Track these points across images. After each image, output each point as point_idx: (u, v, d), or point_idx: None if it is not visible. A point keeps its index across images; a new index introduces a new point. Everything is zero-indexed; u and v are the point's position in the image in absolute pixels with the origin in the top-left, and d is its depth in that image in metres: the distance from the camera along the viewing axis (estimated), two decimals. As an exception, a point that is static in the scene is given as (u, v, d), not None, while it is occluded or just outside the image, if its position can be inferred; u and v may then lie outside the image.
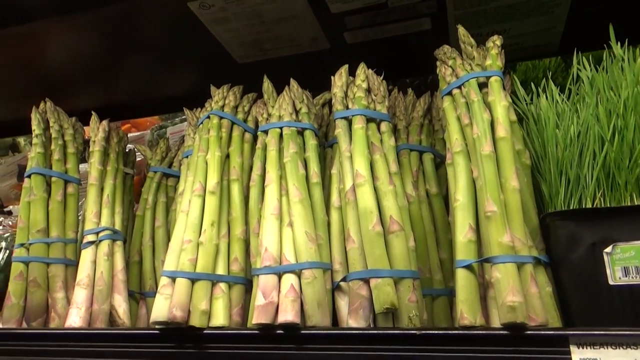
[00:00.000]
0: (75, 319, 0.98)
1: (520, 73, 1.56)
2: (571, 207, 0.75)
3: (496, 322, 0.72)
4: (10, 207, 1.78)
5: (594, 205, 0.73)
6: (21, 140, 2.40)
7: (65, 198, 1.14)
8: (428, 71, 1.45)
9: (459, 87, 0.86)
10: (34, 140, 1.16)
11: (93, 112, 1.24)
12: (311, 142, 0.98)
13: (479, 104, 0.81)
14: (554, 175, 0.78)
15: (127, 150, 1.32)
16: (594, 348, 0.65)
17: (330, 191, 0.95)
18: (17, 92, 1.58)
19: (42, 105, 1.22)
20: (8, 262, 1.18)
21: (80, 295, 1.01)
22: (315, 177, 0.94)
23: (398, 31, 1.21)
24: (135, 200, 1.30)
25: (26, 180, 1.14)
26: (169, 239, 1.14)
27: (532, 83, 0.88)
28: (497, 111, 0.80)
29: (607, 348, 0.65)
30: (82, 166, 1.23)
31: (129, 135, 2.17)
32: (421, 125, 1.05)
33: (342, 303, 0.84)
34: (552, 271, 0.77)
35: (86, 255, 1.06)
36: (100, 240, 1.08)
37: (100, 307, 1.01)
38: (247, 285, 0.92)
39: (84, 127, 1.30)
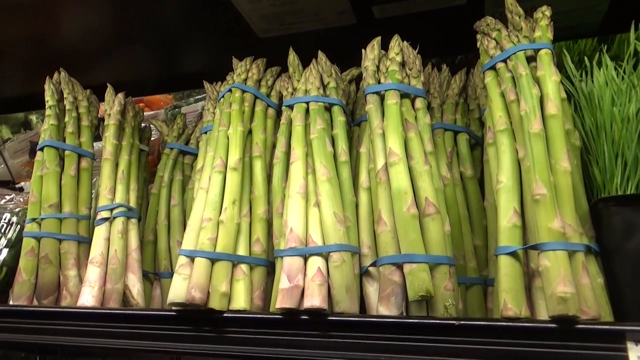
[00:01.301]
0: (87, 298, 0.94)
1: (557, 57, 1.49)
2: (628, 192, 0.68)
3: (543, 314, 0.67)
4: (22, 183, 1.74)
5: (655, 191, 0.67)
6: (33, 117, 2.37)
7: (79, 173, 1.09)
8: (459, 50, 1.38)
9: (504, 61, 0.80)
10: (47, 112, 1.11)
11: (108, 85, 1.19)
12: (339, 118, 0.92)
13: (528, 78, 0.75)
14: (609, 157, 0.71)
15: (142, 126, 1.28)
16: (653, 346, 0.59)
17: (359, 171, 0.90)
18: (29, 66, 1.53)
19: (56, 75, 1.17)
20: (19, 237, 1.14)
21: (93, 273, 0.97)
22: (343, 155, 0.88)
23: (430, 5, 1.14)
24: (149, 180, 1.25)
25: (38, 153, 1.09)
26: (184, 218, 1.10)
27: (585, 58, 0.81)
28: (548, 86, 0.74)
29: (669, 346, 0.59)
30: (96, 145, 1.19)
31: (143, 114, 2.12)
32: (456, 104, 0.98)
33: (371, 289, 0.79)
34: (603, 261, 0.71)
35: (100, 232, 1.02)
36: (115, 217, 1.04)
37: (113, 287, 0.97)
38: (270, 267, 0.87)
39: (99, 103, 1.25)
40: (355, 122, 1.03)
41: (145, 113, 2.16)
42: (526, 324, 0.64)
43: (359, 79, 1.10)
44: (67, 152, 1.09)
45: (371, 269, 0.80)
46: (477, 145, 0.97)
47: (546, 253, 0.65)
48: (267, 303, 0.84)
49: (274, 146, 0.96)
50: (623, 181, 0.69)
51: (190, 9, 1.21)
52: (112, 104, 1.14)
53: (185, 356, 1.36)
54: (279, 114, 1.01)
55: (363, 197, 0.86)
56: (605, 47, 1.39)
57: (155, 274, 1.08)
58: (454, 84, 1.00)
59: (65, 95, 1.14)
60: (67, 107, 1.13)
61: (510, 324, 0.65)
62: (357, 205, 0.86)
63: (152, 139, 1.60)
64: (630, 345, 0.60)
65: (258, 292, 0.83)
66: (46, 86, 1.14)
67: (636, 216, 0.66)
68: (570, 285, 0.63)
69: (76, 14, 1.25)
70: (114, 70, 1.53)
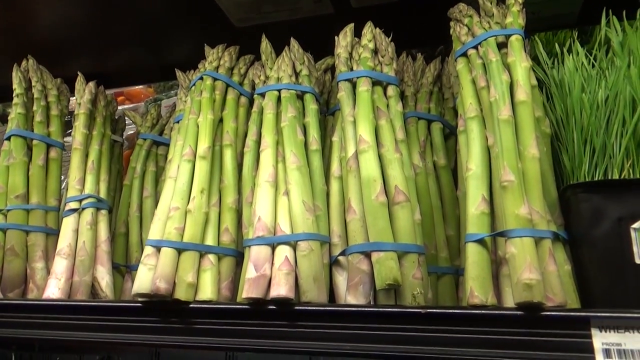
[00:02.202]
0: (53, 290, 0.91)
1: (532, 48, 1.48)
2: (596, 179, 0.68)
3: (509, 302, 0.66)
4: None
5: (622, 177, 0.66)
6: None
7: (47, 163, 1.07)
8: (438, 41, 1.36)
9: (476, 47, 0.79)
10: (15, 100, 1.08)
11: (79, 73, 1.16)
12: (311, 106, 0.91)
13: (498, 64, 0.74)
14: (578, 144, 0.71)
15: (116, 116, 1.25)
16: (617, 332, 0.59)
17: (331, 160, 0.88)
18: (3, 56, 1.50)
19: (24, 63, 1.14)
20: (-16, 229, 1.11)
21: (60, 265, 0.94)
22: (314, 143, 0.87)
23: (407, -6, 1.13)
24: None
25: (5, 142, 1.06)
26: (157, 210, 1.08)
27: (555, 44, 0.80)
28: (518, 73, 0.73)
29: (633, 332, 0.58)
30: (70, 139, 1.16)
31: (123, 107, 2.09)
32: (430, 93, 0.97)
33: (340, 279, 0.78)
34: (571, 248, 0.71)
35: (68, 223, 0.99)
36: (84, 208, 1.01)
37: (81, 279, 0.95)
38: (239, 257, 0.85)
39: (70, 93, 1.22)
40: (329, 111, 1.01)
41: (125, 106, 2.14)
42: (492, 312, 0.64)
43: (334, 68, 1.09)
44: (35, 142, 1.06)
45: (341, 258, 0.78)
46: (452, 134, 0.96)
47: (513, 240, 0.65)
48: (236, 293, 0.83)
49: (245, 135, 0.94)
50: (591, 168, 0.69)
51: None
52: (82, 93, 1.12)
53: (163, 349, 1.34)
54: (251, 102, 0.99)
55: (334, 186, 0.85)
56: (577, 37, 1.40)
57: (127, 267, 1.06)
58: (428, 72, 0.99)
59: (33, 84, 1.11)
60: (35, 96, 1.10)
61: (475, 311, 0.64)
62: (328, 194, 0.85)
63: (132, 132, 1.58)
64: (594, 332, 0.59)
65: (226, 283, 0.82)
66: (14, 74, 1.11)
67: (603, 203, 0.65)
68: (536, 272, 0.62)
69: (53, 3, 1.22)
70: (93, 61, 1.50)
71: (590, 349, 0.59)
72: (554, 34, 1.47)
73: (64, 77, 1.23)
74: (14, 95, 1.09)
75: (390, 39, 0.93)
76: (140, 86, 2.14)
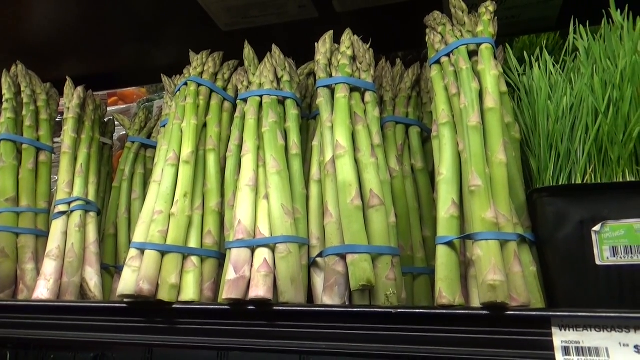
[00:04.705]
0: (42, 291, 0.94)
1: (517, 50, 1.51)
2: (560, 183, 0.70)
3: (476, 302, 0.69)
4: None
5: (584, 181, 0.69)
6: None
7: (37, 166, 1.09)
8: (422, 44, 1.39)
9: (448, 55, 0.81)
10: (4, 105, 1.10)
11: (68, 78, 1.19)
12: (292, 111, 0.93)
13: (468, 72, 0.76)
14: (544, 149, 0.73)
15: (105, 119, 1.27)
16: (576, 330, 0.62)
17: (311, 164, 0.91)
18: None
19: (13, 68, 1.17)
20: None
21: (49, 266, 0.97)
22: (294, 148, 0.89)
23: (389, -1, 1.15)
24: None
25: (-5, 147, 1.09)
26: (145, 212, 1.10)
27: (525, 53, 0.82)
28: (487, 80, 0.75)
29: (591, 330, 0.61)
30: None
31: (116, 107, 2.12)
32: (409, 98, 1.00)
33: (318, 279, 0.81)
34: (538, 250, 0.73)
35: (57, 225, 1.02)
36: (72, 211, 1.04)
37: (70, 280, 0.97)
38: (221, 259, 0.88)
39: (60, 97, 1.24)
40: (312, 114, 1.04)
41: (118, 106, 2.16)
42: (459, 311, 0.66)
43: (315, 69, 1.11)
44: (24, 146, 1.08)
45: (318, 259, 0.81)
46: (430, 138, 0.98)
47: (479, 242, 0.67)
48: (218, 294, 0.85)
49: (229, 139, 0.97)
50: (556, 172, 0.71)
51: (158, 3, 1.21)
52: (70, 97, 1.14)
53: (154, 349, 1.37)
54: (235, 107, 1.02)
55: (314, 189, 0.87)
56: (559, 39, 1.42)
57: (116, 267, 1.09)
58: (406, 77, 1.01)
59: (22, 89, 1.13)
60: (24, 101, 1.12)
61: (443, 311, 0.67)
62: (308, 198, 0.88)
63: (123, 133, 1.60)
64: (555, 330, 0.62)
65: (209, 284, 0.84)
66: (3, 79, 1.13)
67: (566, 206, 0.68)
68: (500, 273, 0.65)
69: (43, 6, 1.24)
70: (84, 64, 1.52)
71: (550, 347, 0.62)
72: (537, 36, 1.49)
73: (55, 79, 1.24)
74: (3, 100, 1.12)
75: (369, 45, 0.96)
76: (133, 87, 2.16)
